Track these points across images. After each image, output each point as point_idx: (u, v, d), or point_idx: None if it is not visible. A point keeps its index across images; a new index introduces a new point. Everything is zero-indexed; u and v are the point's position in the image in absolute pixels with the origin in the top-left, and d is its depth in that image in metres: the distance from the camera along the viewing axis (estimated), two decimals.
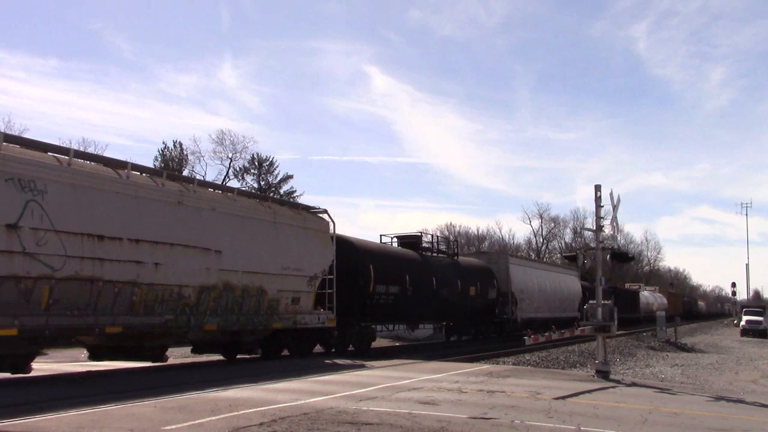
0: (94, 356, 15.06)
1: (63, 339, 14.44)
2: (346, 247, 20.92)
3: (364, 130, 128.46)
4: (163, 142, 59.35)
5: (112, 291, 13.16)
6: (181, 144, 54.31)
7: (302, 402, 10.09)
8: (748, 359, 26.29)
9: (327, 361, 17.65)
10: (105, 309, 13.07)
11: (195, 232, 15.11)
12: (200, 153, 54.50)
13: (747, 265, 76.50)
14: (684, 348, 32.61)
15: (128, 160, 14.52)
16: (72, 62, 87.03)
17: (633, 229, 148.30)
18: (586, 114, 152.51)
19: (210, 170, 54.85)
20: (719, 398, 13.05)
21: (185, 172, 50.37)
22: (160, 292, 14.20)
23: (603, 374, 15.63)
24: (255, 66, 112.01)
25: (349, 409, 9.60)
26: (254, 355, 18.85)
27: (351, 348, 21.53)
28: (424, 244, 27.61)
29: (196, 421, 8.35)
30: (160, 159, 53.21)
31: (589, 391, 12.71)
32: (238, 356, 18.42)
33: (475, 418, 9.15)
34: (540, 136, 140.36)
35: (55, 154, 12.88)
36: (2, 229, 11.32)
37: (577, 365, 20.66)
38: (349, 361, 17.49)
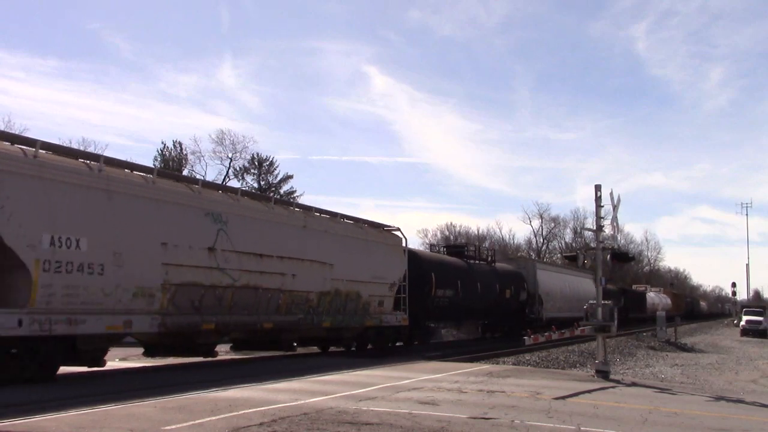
0: (236, 348, 19.40)
1: (236, 332, 17.91)
2: (413, 258, 24.55)
3: (363, 130, 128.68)
4: (163, 142, 59.25)
5: (267, 296, 17.19)
6: (180, 144, 54.25)
7: (302, 402, 10.08)
8: (748, 359, 26.30)
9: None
10: (263, 310, 17.09)
11: (316, 249, 19.12)
12: (200, 153, 54.45)
13: (747, 265, 76.63)
14: (684, 348, 32.61)
15: (271, 195, 19.24)
16: (71, 62, 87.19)
17: (633, 229, 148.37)
18: (585, 114, 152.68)
19: (210, 170, 54.75)
20: (719, 398, 13.07)
21: (185, 172, 50.38)
22: (296, 297, 18.22)
23: (603, 374, 15.63)
24: (255, 66, 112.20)
25: (349, 409, 9.60)
26: (338, 348, 22.26)
27: (416, 342, 25.49)
28: (468, 253, 31.43)
29: (196, 421, 8.35)
30: (159, 159, 53.18)
31: (589, 391, 12.72)
32: (331, 349, 22.16)
33: (475, 418, 9.15)
34: (540, 136, 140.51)
35: (229, 194, 17.39)
36: (205, 251, 15.30)
37: (577, 365, 20.66)
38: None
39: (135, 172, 14.71)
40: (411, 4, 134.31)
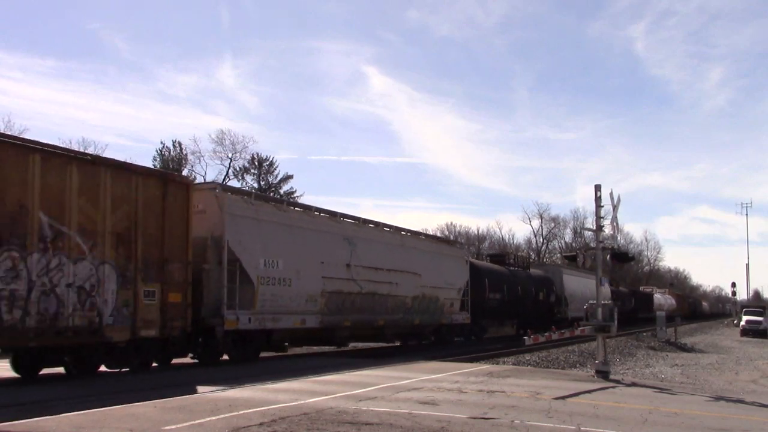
0: (342, 343, 23.18)
1: (360, 328, 22.23)
2: (472, 267, 29.97)
3: (362, 130, 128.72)
4: (162, 142, 59.35)
5: (380, 300, 22.62)
6: (180, 144, 54.26)
7: (302, 402, 10.09)
8: (748, 359, 26.29)
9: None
10: (377, 311, 22.49)
11: (409, 263, 24.56)
12: (200, 153, 54.49)
13: (747, 265, 76.61)
14: (684, 348, 32.61)
15: (377, 220, 24.89)
16: (70, 62, 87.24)
17: (633, 229, 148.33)
18: (585, 114, 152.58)
19: (210, 170, 54.84)
20: (719, 398, 13.06)
21: (185, 172, 50.37)
22: (398, 300, 23.59)
23: (603, 374, 15.63)
24: (254, 66, 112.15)
25: (349, 409, 9.60)
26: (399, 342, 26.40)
27: (473, 337, 30.07)
28: (508, 261, 37.07)
29: (196, 421, 8.36)
30: (159, 159, 53.16)
31: (589, 391, 12.72)
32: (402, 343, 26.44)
33: (475, 418, 9.16)
34: (539, 136, 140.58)
35: (356, 221, 22.78)
36: (344, 267, 20.84)
37: (577, 365, 20.66)
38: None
39: (298, 209, 21.60)
40: (409, 4, 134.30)
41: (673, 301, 73.55)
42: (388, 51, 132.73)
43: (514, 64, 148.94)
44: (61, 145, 16.03)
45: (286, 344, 19.37)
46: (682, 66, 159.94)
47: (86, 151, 20.07)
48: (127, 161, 15.63)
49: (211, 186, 18.65)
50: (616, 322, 16.43)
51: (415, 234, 27.44)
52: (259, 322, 17.23)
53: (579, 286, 42.67)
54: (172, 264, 14.87)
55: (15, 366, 13.45)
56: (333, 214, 21.93)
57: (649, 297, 65.70)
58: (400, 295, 23.65)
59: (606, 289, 48.08)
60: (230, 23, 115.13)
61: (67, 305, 12.51)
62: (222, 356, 17.15)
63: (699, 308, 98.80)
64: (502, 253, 40.23)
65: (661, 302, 66.96)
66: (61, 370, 14.06)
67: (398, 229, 25.81)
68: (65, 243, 12.56)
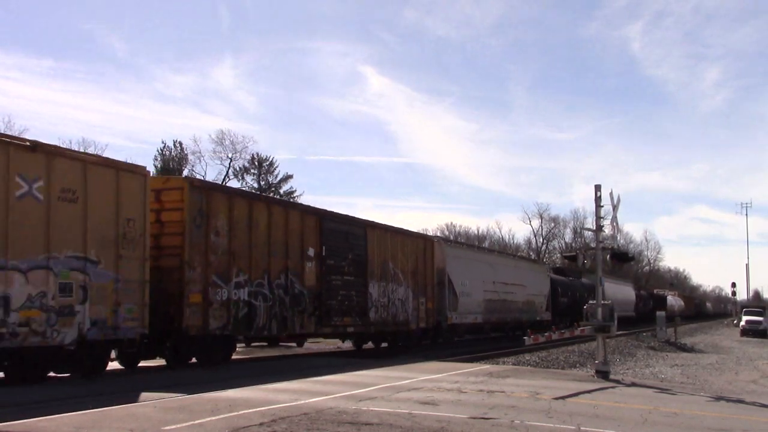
0: (487, 333, 32.96)
1: (495, 324, 32.48)
2: (550, 279, 41.33)
3: (360, 130, 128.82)
4: (163, 142, 59.21)
5: (507, 305, 33.07)
6: (181, 144, 54.22)
7: (302, 402, 10.09)
8: (748, 359, 26.29)
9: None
10: (505, 312, 32.95)
11: (520, 278, 35.43)
12: (200, 153, 54.42)
13: (747, 265, 76.71)
14: (684, 348, 32.60)
15: (495, 249, 43.89)
16: (66, 63, 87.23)
17: (631, 228, 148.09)
18: (582, 114, 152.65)
19: (210, 170, 54.82)
20: (719, 398, 13.07)
21: (185, 172, 50.33)
22: (515, 304, 34.25)
23: (603, 374, 15.63)
24: (250, 66, 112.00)
25: (349, 409, 9.61)
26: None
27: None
28: (566, 272, 48.69)
29: (196, 421, 8.36)
30: (159, 159, 53.10)
31: (589, 391, 12.72)
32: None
33: (475, 418, 9.16)
34: (537, 135, 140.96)
35: (496, 253, 43.33)
36: (492, 283, 31.62)
37: (577, 365, 20.66)
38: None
39: (474, 248, 39.58)
40: (405, 5, 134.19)
41: (682, 303, 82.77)
42: (385, 51, 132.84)
43: (510, 64, 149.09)
44: (381, 223, 24.81)
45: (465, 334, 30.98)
46: (679, 66, 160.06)
47: (382, 223, 25.51)
48: (410, 230, 27.82)
49: (441, 239, 34.99)
50: (615, 322, 16.43)
51: (521, 257, 45.02)
52: (459, 319, 28.36)
53: (614, 290, 54.08)
54: (427, 286, 26.12)
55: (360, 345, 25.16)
56: (481, 248, 40.39)
57: (664, 299, 73.91)
58: (516, 300, 34.40)
59: (630, 292, 61.78)
60: (226, 23, 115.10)
61: (398, 310, 23.97)
62: (452, 340, 29.62)
63: (703, 308, 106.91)
64: (561, 267, 53.32)
65: (672, 303, 74.64)
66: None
67: (512, 255, 42.34)
68: (397, 276, 24.03)
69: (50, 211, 12.14)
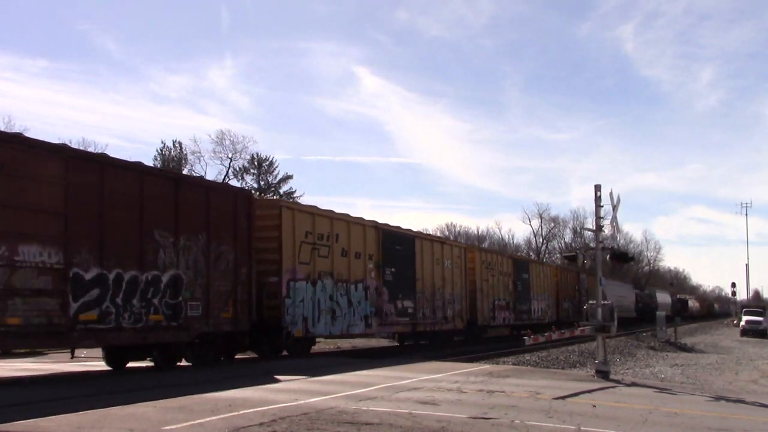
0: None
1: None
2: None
3: (356, 130, 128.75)
4: (162, 142, 59.14)
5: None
6: (180, 144, 54.21)
7: (302, 402, 10.08)
8: (748, 359, 26.29)
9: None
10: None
11: (612, 291, 39.52)
12: (200, 153, 54.41)
13: (747, 265, 76.84)
14: (684, 348, 32.61)
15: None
16: (61, 63, 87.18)
17: (630, 228, 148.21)
18: (577, 114, 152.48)
19: (210, 170, 54.80)
20: (719, 398, 13.06)
21: (185, 172, 50.26)
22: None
23: (603, 374, 15.62)
24: (244, 67, 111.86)
25: (349, 409, 9.60)
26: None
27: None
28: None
29: (196, 421, 8.35)
30: (159, 159, 53.08)
31: (589, 391, 12.72)
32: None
33: (475, 418, 9.16)
34: (532, 136, 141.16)
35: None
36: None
37: (577, 365, 20.66)
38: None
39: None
40: (398, 5, 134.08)
41: (698, 304, 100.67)
42: (379, 52, 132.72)
43: (504, 64, 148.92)
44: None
45: None
46: (673, 66, 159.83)
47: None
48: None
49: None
50: (615, 322, 16.43)
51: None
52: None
53: (664, 297, 71.63)
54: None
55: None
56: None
57: (686, 302, 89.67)
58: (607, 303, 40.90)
59: (666, 297, 75.49)
60: (220, 24, 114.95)
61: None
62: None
63: (713, 309, 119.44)
64: (636, 281, 65.08)
65: (690, 305, 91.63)
66: (60, 369, 14.11)
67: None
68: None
69: None
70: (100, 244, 12.86)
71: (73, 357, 16.52)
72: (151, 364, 15.67)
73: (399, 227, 25.03)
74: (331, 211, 20.95)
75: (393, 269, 23.56)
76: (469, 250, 31.23)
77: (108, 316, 12.88)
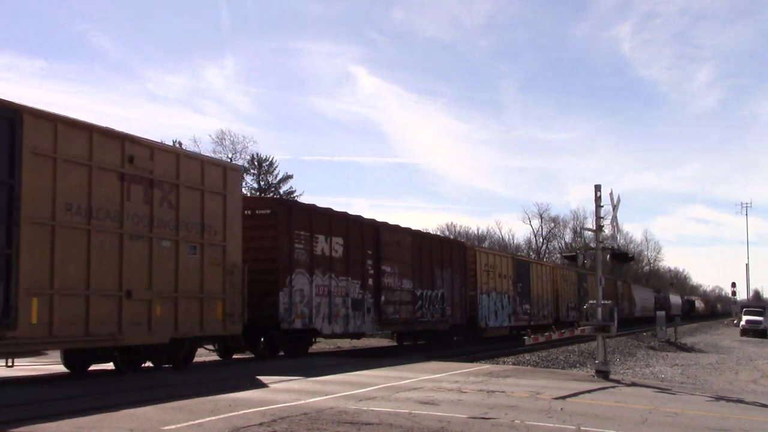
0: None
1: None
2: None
3: (354, 130, 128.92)
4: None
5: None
6: (180, 144, 54.15)
7: (302, 402, 10.09)
8: (748, 359, 26.29)
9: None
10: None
11: (639, 295, 64.62)
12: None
13: (747, 265, 76.92)
14: (684, 348, 32.61)
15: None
16: (57, 63, 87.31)
17: (629, 229, 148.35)
18: (574, 114, 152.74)
19: None
20: (719, 398, 13.07)
21: None
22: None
23: (603, 374, 15.63)
24: (241, 67, 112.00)
25: (349, 409, 9.60)
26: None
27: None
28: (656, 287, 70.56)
29: (196, 421, 8.36)
30: None
31: (589, 391, 12.72)
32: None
33: (475, 418, 9.16)
34: (530, 136, 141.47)
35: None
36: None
37: (577, 365, 20.66)
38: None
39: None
40: (393, 5, 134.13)
41: (703, 304, 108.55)
42: (376, 52, 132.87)
43: (500, 64, 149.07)
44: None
45: None
46: (669, 67, 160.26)
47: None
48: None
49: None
50: (616, 321, 16.42)
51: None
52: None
53: (676, 299, 79.21)
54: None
55: None
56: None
57: (693, 302, 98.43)
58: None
59: (678, 299, 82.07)
60: (218, 24, 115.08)
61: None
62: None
63: (716, 309, 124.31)
64: (657, 288, 70.81)
65: (697, 306, 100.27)
66: (60, 369, 14.15)
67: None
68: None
69: None
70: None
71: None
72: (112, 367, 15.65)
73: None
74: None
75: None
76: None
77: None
